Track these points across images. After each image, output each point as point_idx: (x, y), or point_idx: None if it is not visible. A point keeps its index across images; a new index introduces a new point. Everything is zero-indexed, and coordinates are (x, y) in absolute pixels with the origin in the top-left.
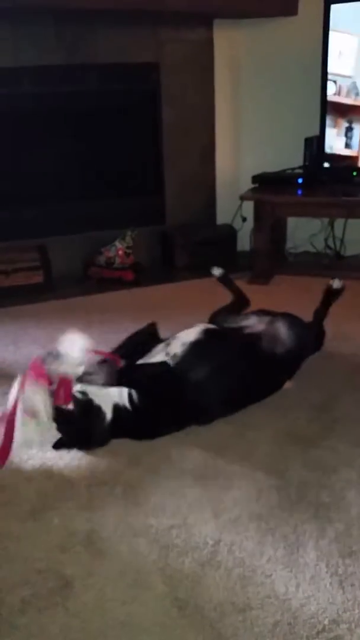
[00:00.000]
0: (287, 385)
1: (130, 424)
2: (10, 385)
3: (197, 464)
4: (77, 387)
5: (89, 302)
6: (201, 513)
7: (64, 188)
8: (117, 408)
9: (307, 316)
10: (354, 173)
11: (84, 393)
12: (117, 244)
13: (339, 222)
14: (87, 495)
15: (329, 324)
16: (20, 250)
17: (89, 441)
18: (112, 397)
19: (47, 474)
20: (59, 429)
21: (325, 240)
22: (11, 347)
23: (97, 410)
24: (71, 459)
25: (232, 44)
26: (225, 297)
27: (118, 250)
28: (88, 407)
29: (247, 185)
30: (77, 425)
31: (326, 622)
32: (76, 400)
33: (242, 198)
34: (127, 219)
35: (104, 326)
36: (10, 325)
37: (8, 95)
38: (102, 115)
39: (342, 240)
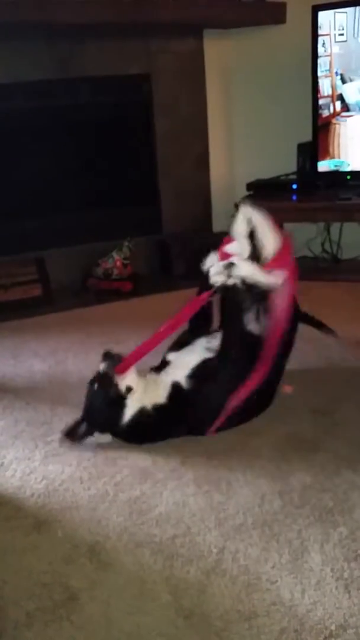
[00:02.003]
0: (288, 390)
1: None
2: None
3: (200, 471)
4: None
5: (88, 313)
6: (204, 521)
7: (60, 201)
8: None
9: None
10: (348, 177)
11: None
12: (115, 255)
13: (335, 226)
14: (90, 506)
15: (328, 325)
16: (18, 264)
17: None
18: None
19: (49, 487)
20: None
21: (322, 244)
22: (11, 361)
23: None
24: (73, 471)
25: (222, 54)
26: None
27: (116, 261)
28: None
29: (242, 192)
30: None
31: (333, 627)
32: None
33: (237, 205)
34: (124, 230)
35: (105, 337)
36: (10, 339)
37: (1, 110)
38: (96, 127)
39: (338, 244)
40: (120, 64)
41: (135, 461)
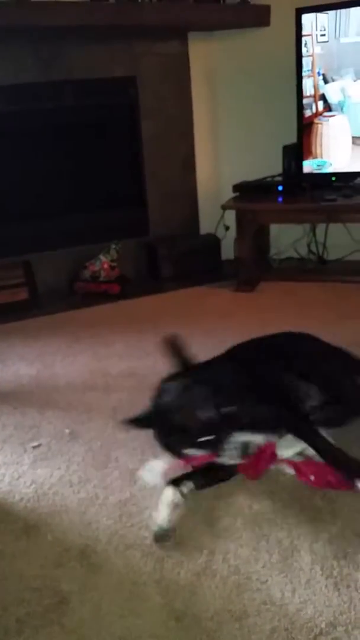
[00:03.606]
0: None
1: None
2: None
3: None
4: None
5: (76, 317)
6: (195, 523)
7: (47, 204)
8: None
9: (292, 323)
10: (333, 178)
11: None
12: (102, 257)
13: (320, 228)
14: (80, 510)
15: (315, 326)
16: (4, 267)
17: None
18: None
19: (39, 491)
20: None
21: (308, 245)
22: None
23: None
24: (62, 475)
25: (207, 56)
26: (213, 307)
27: (103, 263)
28: None
29: (228, 194)
30: None
31: (323, 625)
32: None
33: (224, 207)
34: (111, 233)
35: (93, 340)
36: None
37: None
38: (82, 130)
39: (324, 245)
40: (106, 66)
41: (124, 464)
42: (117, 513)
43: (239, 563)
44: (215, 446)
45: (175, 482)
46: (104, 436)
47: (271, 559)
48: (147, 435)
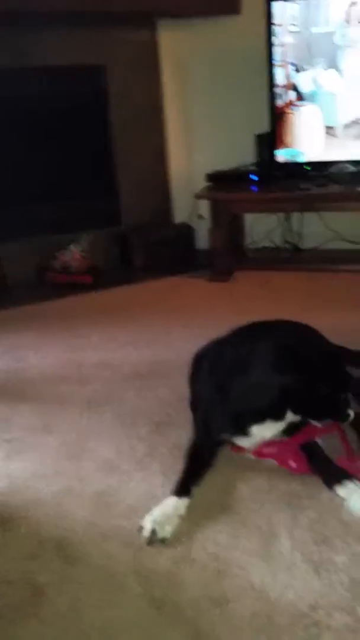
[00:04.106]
0: None
1: None
2: None
3: (166, 462)
4: None
5: (48, 308)
6: None
7: (15, 193)
8: None
9: (268, 312)
10: (307, 167)
11: None
12: (73, 247)
13: (295, 217)
14: (55, 502)
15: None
16: None
17: None
18: None
19: (12, 485)
20: None
21: (283, 234)
22: None
23: None
24: (36, 469)
25: (177, 44)
26: (187, 298)
27: (74, 254)
28: None
29: (201, 183)
30: None
31: (304, 609)
32: None
33: (198, 197)
34: (82, 222)
35: (66, 332)
36: None
37: None
38: (51, 118)
39: (299, 234)
40: (75, 54)
41: (100, 455)
42: (93, 504)
43: (218, 550)
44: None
45: (183, 492)
46: (79, 428)
47: (251, 545)
48: (122, 427)
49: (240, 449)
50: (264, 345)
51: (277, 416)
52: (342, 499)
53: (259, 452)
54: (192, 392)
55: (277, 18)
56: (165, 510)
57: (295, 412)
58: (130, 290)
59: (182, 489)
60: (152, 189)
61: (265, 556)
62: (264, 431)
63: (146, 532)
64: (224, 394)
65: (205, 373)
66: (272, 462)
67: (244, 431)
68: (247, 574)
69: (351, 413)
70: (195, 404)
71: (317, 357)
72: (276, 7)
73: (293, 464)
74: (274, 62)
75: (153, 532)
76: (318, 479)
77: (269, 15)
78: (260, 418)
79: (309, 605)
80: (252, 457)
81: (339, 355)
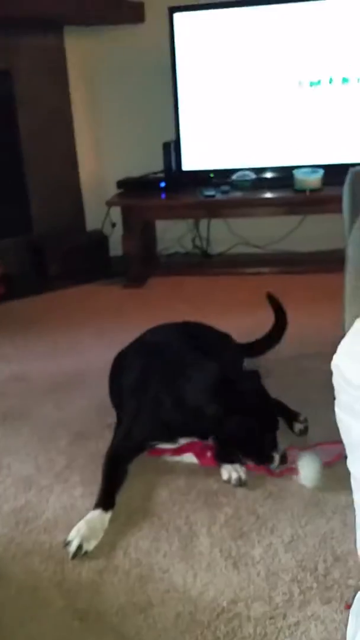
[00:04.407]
0: None
1: None
2: None
3: (86, 473)
4: None
5: None
6: None
7: None
8: None
9: (181, 317)
10: (211, 175)
11: None
12: None
13: (203, 223)
14: None
15: (202, 318)
16: None
17: None
18: None
19: None
20: None
21: (193, 240)
22: None
23: None
24: None
25: (83, 51)
26: (102, 305)
27: None
28: None
29: (113, 190)
30: None
31: (225, 604)
32: None
33: (109, 203)
34: None
35: None
36: None
37: None
38: None
39: (207, 240)
40: None
41: (17, 470)
42: (12, 521)
43: (140, 555)
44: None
45: (109, 504)
46: None
47: (172, 548)
48: (40, 441)
49: (157, 452)
50: (199, 368)
51: (204, 436)
52: (259, 492)
53: (179, 450)
54: (112, 396)
55: (179, 28)
56: (92, 525)
57: (218, 438)
58: (44, 299)
59: (108, 501)
60: (63, 196)
61: (186, 557)
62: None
63: (73, 548)
64: (157, 406)
65: (133, 380)
66: (190, 462)
67: (172, 440)
68: (170, 576)
69: (276, 457)
70: (118, 409)
71: (250, 391)
72: (178, 18)
73: (209, 454)
74: (177, 70)
75: (79, 547)
76: None
77: (171, 24)
78: (189, 434)
79: (229, 600)
80: (170, 457)
81: (266, 392)
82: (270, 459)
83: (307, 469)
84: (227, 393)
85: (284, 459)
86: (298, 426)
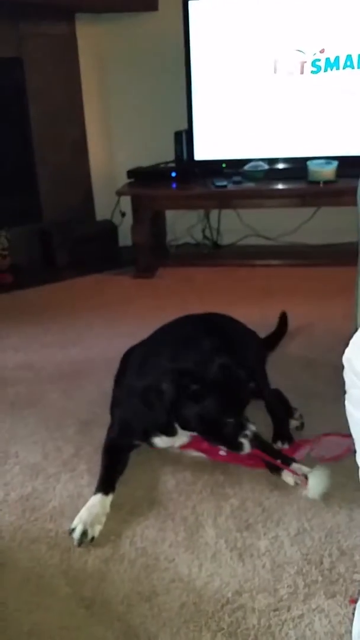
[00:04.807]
0: None
1: None
2: None
3: (93, 461)
4: None
5: None
6: None
7: None
8: None
9: (191, 308)
10: (223, 165)
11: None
12: None
13: (214, 213)
14: None
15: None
16: None
17: None
18: None
19: None
20: None
21: (203, 231)
22: None
23: None
24: None
25: (95, 39)
26: (111, 295)
27: None
28: None
29: (123, 179)
30: None
31: (229, 595)
32: None
33: (119, 193)
34: (1, 219)
35: None
36: None
37: None
38: None
39: (218, 231)
40: None
41: (25, 458)
42: (19, 509)
43: (146, 545)
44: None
45: (109, 488)
46: (2, 432)
47: (177, 538)
48: (47, 430)
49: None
50: (163, 366)
51: (169, 433)
52: (265, 485)
53: (190, 445)
54: (113, 394)
55: (193, 16)
56: (94, 510)
57: (185, 428)
58: (53, 288)
59: (108, 485)
60: (73, 185)
61: (192, 547)
62: (163, 443)
63: (77, 535)
64: (136, 408)
65: (127, 380)
66: (197, 453)
67: (149, 442)
68: (175, 566)
69: (245, 443)
70: (114, 407)
71: (213, 380)
72: (192, 5)
73: (223, 452)
74: (191, 59)
75: (84, 533)
76: (239, 467)
77: (185, 12)
78: (157, 433)
79: (234, 591)
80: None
81: (243, 376)
82: (238, 446)
83: (317, 482)
84: (182, 376)
85: (255, 443)
86: (294, 423)
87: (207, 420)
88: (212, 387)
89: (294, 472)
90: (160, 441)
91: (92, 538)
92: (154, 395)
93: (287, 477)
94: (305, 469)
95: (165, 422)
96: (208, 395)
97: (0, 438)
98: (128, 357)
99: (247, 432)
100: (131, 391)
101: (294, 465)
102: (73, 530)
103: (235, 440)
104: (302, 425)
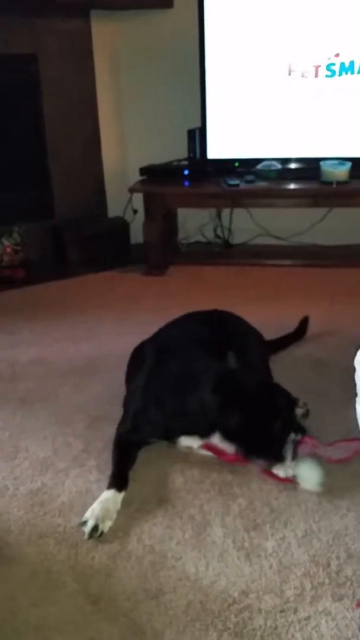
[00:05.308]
0: None
1: None
2: None
3: (102, 457)
4: None
5: None
6: None
7: None
8: None
9: (201, 307)
10: (236, 164)
11: None
12: (4, 241)
13: (226, 212)
14: None
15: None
16: None
17: None
18: None
19: None
20: None
21: (215, 229)
22: None
23: None
24: None
25: (110, 35)
26: (122, 292)
27: (6, 247)
28: None
29: (135, 177)
30: None
31: (236, 594)
32: None
33: (131, 190)
34: (13, 215)
35: None
36: None
37: None
38: None
39: (229, 230)
40: (5, 42)
41: (35, 453)
42: (28, 503)
43: (153, 542)
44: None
45: (122, 484)
46: (13, 426)
47: (185, 536)
48: (57, 425)
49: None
50: (204, 366)
51: (205, 436)
52: (273, 485)
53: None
54: (127, 389)
55: (208, 13)
56: (106, 505)
57: (225, 438)
58: (64, 284)
59: (121, 482)
60: (85, 182)
61: (199, 546)
62: (191, 442)
63: (88, 529)
64: (160, 406)
65: (142, 375)
66: (205, 452)
67: (172, 440)
68: (182, 564)
69: (287, 456)
70: (127, 403)
71: (258, 388)
72: (207, 3)
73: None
74: (206, 57)
75: (95, 528)
76: (247, 467)
77: (201, 9)
78: (190, 433)
79: (240, 591)
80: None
81: (282, 389)
82: (280, 459)
83: (308, 474)
84: (228, 388)
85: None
86: (299, 411)
87: (251, 433)
88: (254, 403)
89: (275, 478)
90: (187, 440)
91: (102, 533)
92: (197, 403)
93: (279, 470)
94: (289, 471)
95: (208, 428)
96: (250, 410)
97: (10, 432)
98: (142, 353)
99: (289, 446)
100: (158, 390)
101: (277, 468)
102: (84, 523)
103: (278, 452)
104: (307, 413)
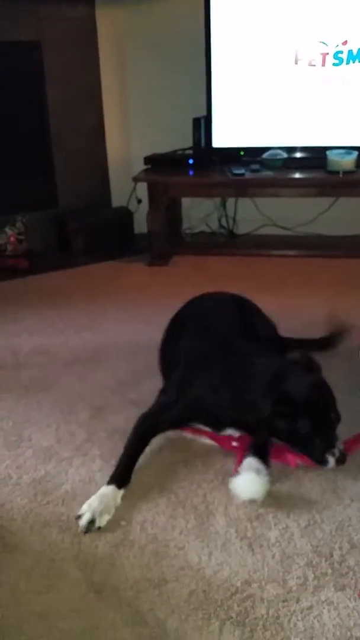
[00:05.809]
0: None
1: None
2: None
3: (105, 447)
4: None
5: None
6: None
7: None
8: None
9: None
10: (241, 153)
11: None
12: (8, 230)
13: (230, 202)
14: None
15: None
16: None
17: None
18: None
19: None
20: None
21: (219, 219)
22: None
23: None
24: None
25: (115, 23)
26: (126, 282)
27: (9, 236)
28: None
29: (139, 166)
30: None
31: (239, 584)
32: None
33: (135, 179)
34: (17, 204)
35: (1, 317)
36: None
37: None
38: None
39: (234, 219)
40: (9, 29)
41: (38, 442)
42: (31, 492)
43: (156, 531)
44: None
45: (124, 481)
46: (16, 415)
47: (188, 525)
48: (61, 414)
49: (191, 431)
50: (264, 365)
51: (252, 431)
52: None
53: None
54: (163, 363)
55: (214, 1)
56: (104, 500)
57: (274, 437)
58: (68, 274)
59: (124, 479)
60: (90, 171)
61: (202, 535)
62: (234, 432)
63: (84, 522)
64: (216, 395)
65: (188, 355)
66: (208, 442)
67: (218, 429)
68: (185, 553)
69: (331, 460)
70: (171, 387)
71: (311, 392)
72: None
73: (235, 444)
74: (211, 45)
75: (91, 522)
76: None
77: None
78: (238, 426)
79: (243, 580)
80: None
81: (329, 389)
82: (324, 462)
83: (243, 484)
84: (281, 392)
85: (342, 459)
86: None
87: (298, 436)
88: (306, 408)
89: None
90: (232, 432)
91: (99, 527)
92: (250, 402)
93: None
94: (251, 472)
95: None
96: (301, 416)
97: (14, 421)
98: (177, 332)
99: (335, 451)
100: (215, 380)
101: (248, 459)
102: (80, 516)
103: (322, 456)
104: None
